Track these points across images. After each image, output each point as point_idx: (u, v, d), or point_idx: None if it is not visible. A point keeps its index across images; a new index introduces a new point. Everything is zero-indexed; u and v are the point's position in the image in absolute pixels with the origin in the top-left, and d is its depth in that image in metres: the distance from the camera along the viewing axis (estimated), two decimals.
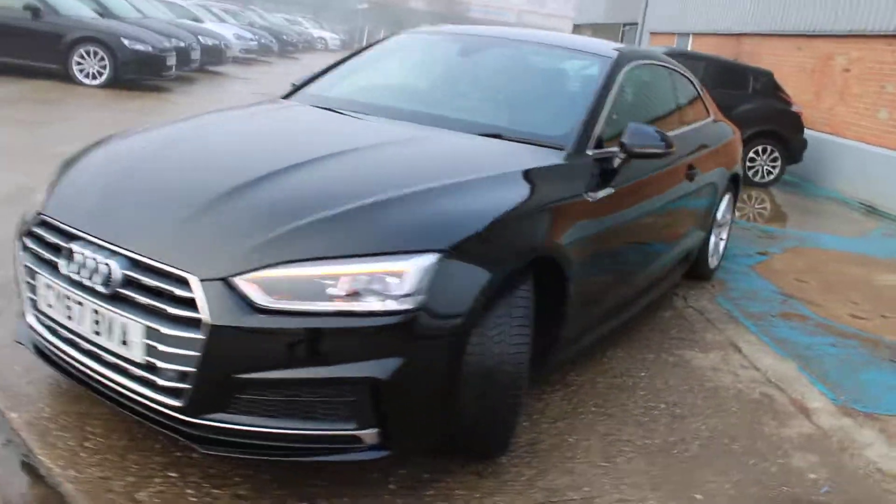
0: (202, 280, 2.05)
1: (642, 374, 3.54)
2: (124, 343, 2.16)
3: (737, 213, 6.77)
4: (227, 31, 19.64)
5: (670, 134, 3.85)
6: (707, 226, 4.67)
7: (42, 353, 2.46)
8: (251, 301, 2.04)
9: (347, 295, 2.08)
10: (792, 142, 9.85)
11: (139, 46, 11.24)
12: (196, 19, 19.41)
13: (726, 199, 5.04)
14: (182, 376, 2.09)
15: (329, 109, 3.35)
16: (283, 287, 2.07)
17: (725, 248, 5.35)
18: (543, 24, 57.41)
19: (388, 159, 2.77)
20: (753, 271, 5.55)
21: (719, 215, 4.97)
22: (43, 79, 10.77)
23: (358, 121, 3.24)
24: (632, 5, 19.88)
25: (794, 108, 9.95)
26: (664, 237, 3.91)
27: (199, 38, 15.24)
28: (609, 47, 3.76)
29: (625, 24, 21.35)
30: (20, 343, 2.56)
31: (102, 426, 2.51)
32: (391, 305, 2.08)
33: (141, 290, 2.14)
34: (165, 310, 2.09)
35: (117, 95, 10.54)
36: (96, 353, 2.25)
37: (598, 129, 3.16)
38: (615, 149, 3.14)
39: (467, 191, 2.51)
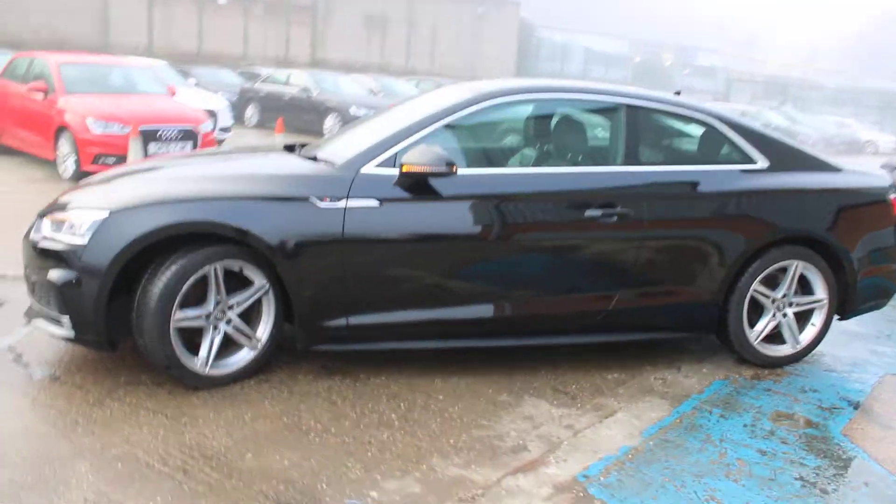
0: (40, 216, 3.52)
1: (440, 396, 3.45)
2: None
3: None
4: None
5: (565, 170, 3.78)
6: (714, 290, 3.80)
7: None
8: (41, 230, 3.42)
9: (69, 233, 3.29)
10: None
11: None
12: None
13: (793, 269, 3.91)
14: None
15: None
16: (54, 225, 3.39)
17: (819, 337, 4.06)
18: None
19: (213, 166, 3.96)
20: (882, 378, 4.01)
21: (780, 290, 3.91)
22: None
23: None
24: None
25: None
26: (534, 273, 3.60)
27: None
28: (489, 84, 3.84)
29: None
30: None
31: None
32: (71, 240, 3.26)
33: None
34: None
35: None
36: None
37: (391, 151, 3.46)
38: (395, 169, 3.39)
39: (196, 181, 3.49)
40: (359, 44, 31.68)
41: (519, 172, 3.70)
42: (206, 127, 9.14)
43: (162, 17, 25.63)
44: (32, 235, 3.46)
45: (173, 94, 9.97)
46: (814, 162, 4.09)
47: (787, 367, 4.04)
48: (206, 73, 18.98)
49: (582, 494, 2.68)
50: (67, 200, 3.52)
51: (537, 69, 40.88)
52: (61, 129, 8.49)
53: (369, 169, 3.43)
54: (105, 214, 3.23)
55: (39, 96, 8.83)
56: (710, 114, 3.98)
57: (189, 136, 8.79)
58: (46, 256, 3.34)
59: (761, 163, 3.94)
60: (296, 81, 17.16)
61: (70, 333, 3.31)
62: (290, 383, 3.48)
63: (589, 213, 3.58)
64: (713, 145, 3.98)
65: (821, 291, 4.01)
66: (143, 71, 10.09)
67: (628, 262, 3.70)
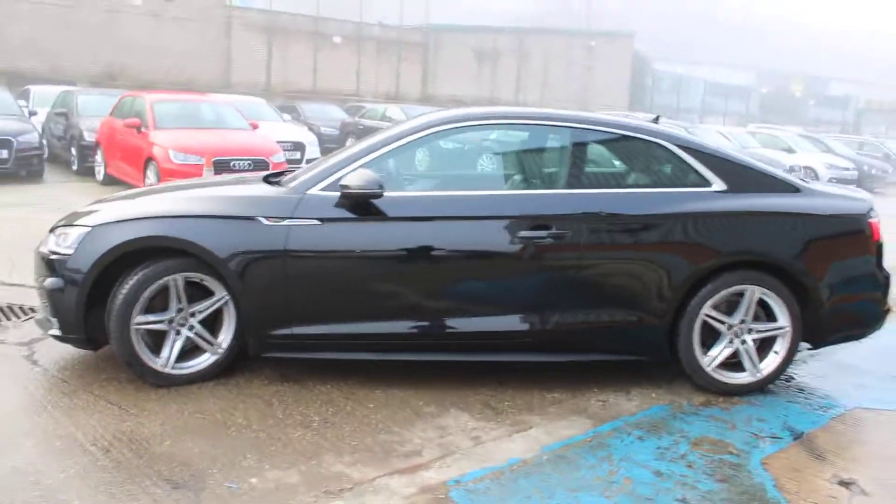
0: (50, 231, 4.07)
1: (371, 405, 3.66)
2: None
3: None
4: (818, 161, 19.08)
5: (504, 192, 4.04)
6: (660, 313, 3.80)
7: None
8: (48, 244, 3.95)
9: (63, 245, 3.82)
10: None
11: None
12: (789, 149, 19.68)
13: (749, 294, 3.83)
14: None
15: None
16: (56, 238, 3.91)
17: (783, 366, 3.93)
18: None
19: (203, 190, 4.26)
20: (849, 411, 3.81)
21: (736, 316, 3.84)
22: None
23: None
24: None
25: None
26: (469, 292, 3.77)
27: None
28: (439, 113, 4.07)
29: None
30: None
31: None
32: (61, 250, 3.79)
33: None
34: None
35: None
36: None
37: (336, 175, 3.77)
38: (336, 192, 3.70)
39: (169, 201, 3.99)
40: (469, 78, 32.60)
41: (460, 195, 3.90)
42: (277, 158, 9.86)
43: (279, 57, 27.61)
44: (41, 248, 4.00)
45: (255, 128, 10.80)
46: (778, 185, 4.00)
47: (746, 396, 3.94)
48: (313, 108, 20.24)
49: (442, 497, 2.81)
50: (79, 213, 4.02)
51: (652, 102, 40.16)
52: (149, 160, 9.45)
53: (315, 191, 3.76)
54: (88, 229, 3.72)
55: (134, 131, 9.86)
56: (664, 137, 4.00)
57: (260, 166, 9.50)
58: (46, 266, 3.86)
59: (717, 185, 3.91)
60: (391, 115, 17.93)
61: (58, 332, 3.81)
62: (244, 386, 3.81)
63: (523, 234, 3.72)
64: (665, 168, 4.00)
65: (783, 318, 3.90)
66: (227, 107, 11.01)
67: (566, 283, 3.78)
